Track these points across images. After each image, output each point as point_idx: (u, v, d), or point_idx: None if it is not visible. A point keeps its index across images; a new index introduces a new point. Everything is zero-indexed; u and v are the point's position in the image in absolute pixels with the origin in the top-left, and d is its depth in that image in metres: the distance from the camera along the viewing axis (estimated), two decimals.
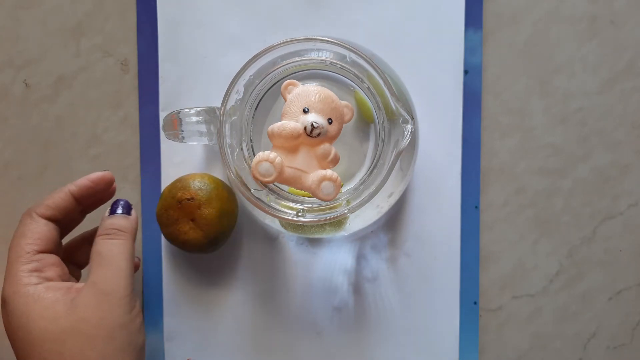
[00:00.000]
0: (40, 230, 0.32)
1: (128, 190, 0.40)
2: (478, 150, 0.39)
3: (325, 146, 0.30)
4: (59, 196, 0.33)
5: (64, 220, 0.33)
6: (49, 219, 0.32)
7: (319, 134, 0.29)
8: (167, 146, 0.40)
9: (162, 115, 0.40)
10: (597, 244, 0.40)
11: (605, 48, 0.40)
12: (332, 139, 0.30)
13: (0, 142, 0.41)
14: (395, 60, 0.36)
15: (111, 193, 0.35)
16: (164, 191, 0.37)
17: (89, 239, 0.36)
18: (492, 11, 0.39)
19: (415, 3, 0.39)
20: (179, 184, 0.36)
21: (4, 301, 0.30)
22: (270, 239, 0.40)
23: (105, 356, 0.29)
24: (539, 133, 0.40)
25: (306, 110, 0.30)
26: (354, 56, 0.31)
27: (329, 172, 0.30)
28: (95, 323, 0.29)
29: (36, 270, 0.31)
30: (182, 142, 0.34)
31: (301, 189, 0.30)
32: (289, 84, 0.31)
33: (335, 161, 0.31)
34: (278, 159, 0.30)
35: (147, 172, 0.40)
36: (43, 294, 0.29)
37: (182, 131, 0.34)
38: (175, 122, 0.34)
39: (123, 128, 0.41)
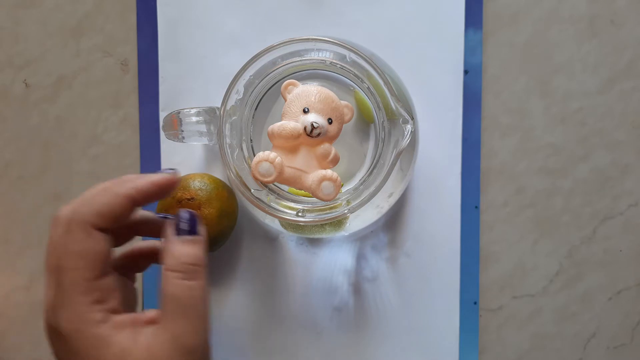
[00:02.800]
0: (100, 249, 0.25)
1: None
2: (478, 150, 0.39)
3: (325, 146, 0.30)
4: (118, 203, 0.26)
5: (115, 233, 0.27)
6: (104, 230, 0.26)
7: (319, 134, 0.29)
8: (167, 146, 0.40)
9: (162, 115, 0.40)
10: (597, 244, 0.40)
11: (605, 48, 0.40)
12: (332, 139, 0.30)
13: (0, 142, 0.41)
14: (395, 60, 0.36)
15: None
16: None
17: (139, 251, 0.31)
18: (492, 11, 0.39)
19: (415, 3, 0.39)
20: (181, 182, 0.36)
21: (63, 336, 0.25)
22: (270, 239, 0.40)
23: None
24: (539, 133, 0.40)
25: (306, 110, 0.30)
26: (354, 56, 0.31)
27: (329, 172, 0.30)
28: None
29: (98, 301, 0.25)
30: (182, 142, 0.34)
31: (301, 189, 0.30)
32: (289, 84, 0.31)
33: (335, 161, 0.31)
34: (278, 159, 0.30)
35: (147, 172, 0.40)
36: (110, 338, 0.25)
37: (182, 131, 0.34)
38: (175, 122, 0.34)
39: (123, 128, 0.41)
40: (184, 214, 0.27)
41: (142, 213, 0.30)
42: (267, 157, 0.29)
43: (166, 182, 0.27)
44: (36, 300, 0.41)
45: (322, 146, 0.30)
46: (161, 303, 0.26)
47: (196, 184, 0.36)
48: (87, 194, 0.26)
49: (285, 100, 0.31)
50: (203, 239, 0.27)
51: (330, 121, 0.30)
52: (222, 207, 0.36)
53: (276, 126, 0.30)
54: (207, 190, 0.35)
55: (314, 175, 0.30)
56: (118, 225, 0.26)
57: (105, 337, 0.25)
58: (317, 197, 0.30)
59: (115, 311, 0.26)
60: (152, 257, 0.31)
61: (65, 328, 0.25)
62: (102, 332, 0.25)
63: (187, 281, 0.26)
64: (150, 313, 0.26)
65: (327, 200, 0.30)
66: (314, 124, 0.29)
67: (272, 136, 0.30)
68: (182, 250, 0.26)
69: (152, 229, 0.30)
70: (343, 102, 0.31)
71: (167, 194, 0.28)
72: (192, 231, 0.27)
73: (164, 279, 0.26)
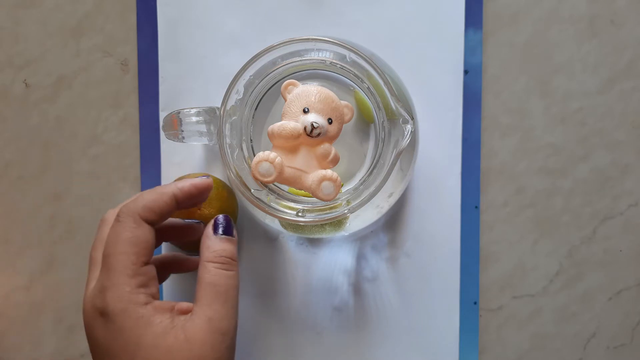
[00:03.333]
0: (146, 238, 0.29)
1: (128, 190, 0.40)
2: (478, 150, 0.39)
3: (325, 146, 0.30)
4: (164, 200, 0.29)
5: (159, 227, 0.31)
6: (152, 224, 0.29)
7: (319, 134, 0.29)
8: (167, 146, 0.40)
9: (162, 115, 0.40)
10: (597, 244, 0.40)
11: (605, 48, 0.40)
12: (332, 139, 0.30)
13: (0, 142, 0.41)
14: (395, 60, 0.36)
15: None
16: None
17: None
18: (492, 11, 0.39)
19: (415, 3, 0.39)
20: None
21: (108, 315, 0.27)
22: (270, 239, 0.40)
23: None
24: (539, 133, 0.40)
25: (306, 110, 0.30)
26: (354, 56, 0.31)
27: (329, 172, 0.30)
28: (212, 359, 0.28)
29: (142, 285, 0.28)
30: (182, 142, 0.34)
31: (301, 189, 0.30)
32: (289, 84, 0.31)
33: (335, 161, 0.31)
34: (278, 159, 0.30)
35: (147, 172, 0.40)
36: (152, 318, 0.28)
37: (182, 131, 0.34)
38: (175, 122, 0.34)
39: (123, 128, 0.41)
40: (222, 217, 0.31)
41: (170, 219, 0.33)
42: (267, 157, 0.29)
43: (205, 185, 0.31)
44: (36, 300, 0.41)
45: (322, 146, 0.30)
46: (198, 290, 0.29)
47: None
48: (138, 194, 0.30)
49: (285, 100, 0.31)
50: (236, 240, 0.31)
51: (330, 121, 0.30)
52: (222, 207, 0.36)
53: (276, 126, 0.30)
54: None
55: (314, 175, 0.30)
56: (161, 220, 0.30)
57: (147, 318, 0.28)
58: (317, 197, 0.30)
59: (155, 297, 0.29)
60: (172, 267, 0.35)
61: (113, 308, 0.27)
62: (145, 312, 0.28)
63: (224, 271, 0.29)
64: (184, 304, 0.29)
65: (327, 200, 0.30)
66: (314, 124, 0.29)
67: (272, 136, 0.30)
68: (221, 245, 0.30)
69: (179, 234, 0.34)
70: (343, 102, 0.31)
71: (203, 198, 0.32)
72: (227, 232, 0.31)
73: (203, 269, 0.29)
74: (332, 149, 0.30)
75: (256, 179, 0.30)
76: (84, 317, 0.29)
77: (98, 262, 0.29)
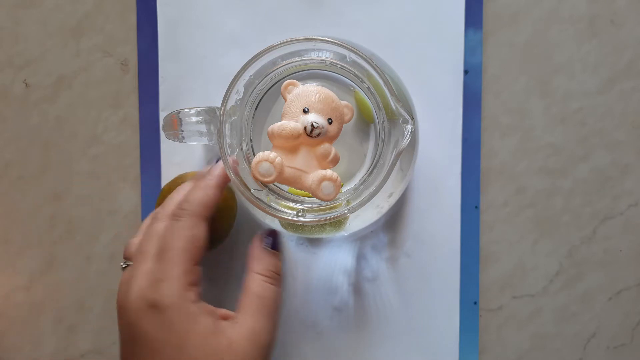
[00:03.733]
0: (203, 236, 0.30)
1: (128, 190, 0.40)
2: (478, 150, 0.39)
3: (325, 146, 0.30)
4: (214, 194, 0.31)
5: None
6: (206, 221, 0.31)
7: (319, 134, 0.29)
8: (167, 146, 0.40)
9: (162, 115, 0.40)
10: (597, 244, 0.40)
11: (605, 48, 0.40)
12: (332, 139, 0.30)
13: (0, 142, 0.41)
14: (395, 60, 0.36)
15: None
16: (163, 188, 0.37)
17: None
18: (492, 11, 0.39)
19: (415, 3, 0.39)
20: (180, 181, 0.36)
21: (159, 307, 0.28)
22: None
23: None
24: (539, 133, 0.40)
25: (306, 110, 0.30)
26: (354, 56, 0.31)
27: (329, 172, 0.30)
28: None
29: (194, 284, 0.29)
30: (182, 142, 0.34)
31: (301, 189, 0.30)
32: (289, 84, 0.31)
33: (335, 161, 0.31)
34: (278, 159, 0.30)
35: (147, 172, 0.40)
36: (200, 317, 0.28)
37: (182, 131, 0.34)
38: (175, 122, 0.34)
39: (123, 128, 0.41)
40: (271, 230, 0.33)
41: None
42: (267, 157, 0.29)
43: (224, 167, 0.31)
44: (36, 301, 0.41)
45: (322, 146, 0.30)
46: (244, 300, 0.30)
47: None
48: (179, 193, 0.31)
49: (285, 100, 0.31)
50: (281, 256, 0.33)
51: (330, 121, 0.30)
52: (222, 206, 0.36)
53: (276, 126, 0.30)
54: None
55: (314, 175, 0.30)
56: (211, 214, 0.31)
57: (195, 316, 0.28)
58: (317, 197, 0.30)
59: (201, 297, 0.29)
60: None
61: (166, 301, 0.28)
62: (194, 310, 0.28)
63: (271, 285, 0.31)
64: (224, 311, 0.30)
65: (327, 200, 0.30)
66: (314, 124, 0.29)
67: (272, 136, 0.30)
68: (270, 259, 0.32)
69: None
70: (343, 102, 0.31)
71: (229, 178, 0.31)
72: (275, 247, 0.32)
73: (251, 280, 0.31)
74: (332, 149, 0.30)
75: (256, 179, 0.30)
76: (130, 307, 0.29)
77: (149, 255, 0.30)
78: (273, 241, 0.32)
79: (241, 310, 0.30)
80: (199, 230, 0.30)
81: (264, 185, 0.32)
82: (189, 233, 0.29)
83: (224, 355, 0.28)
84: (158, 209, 0.32)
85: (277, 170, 0.30)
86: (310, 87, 0.30)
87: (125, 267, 0.32)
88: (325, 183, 0.30)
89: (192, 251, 0.29)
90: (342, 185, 0.34)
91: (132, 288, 0.29)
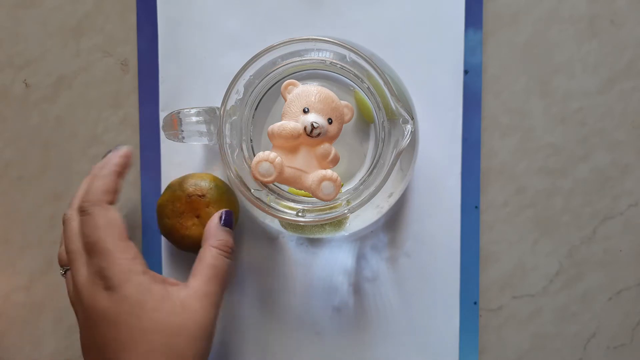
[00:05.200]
0: (118, 217, 0.32)
1: (128, 190, 0.40)
2: (478, 150, 0.39)
3: (325, 146, 0.30)
4: (112, 179, 0.33)
5: None
6: (112, 204, 0.33)
7: (319, 134, 0.29)
8: (167, 146, 0.40)
9: (162, 115, 0.40)
10: (597, 244, 0.40)
11: (605, 48, 0.40)
12: (332, 139, 0.30)
13: (0, 142, 0.41)
14: (395, 60, 0.36)
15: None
16: (172, 183, 0.37)
17: None
18: (492, 11, 0.39)
19: (415, 3, 0.39)
20: (191, 179, 0.37)
21: (114, 287, 0.30)
22: (270, 239, 0.40)
23: (202, 356, 0.32)
24: (539, 133, 0.40)
25: (306, 110, 0.30)
26: (354, 56, 0.31)
27: (329, 172, 0.30)
28: (203, 325, 0.32)
29: (135, 257, 0.31)
30: (182, 142, 0.34)
31: (301, 189, 0.30)
32: (289, 84, 0.31)
33: (335, 161, 0.31)
34: (278, 159, 0.30)
35: (147, 172, 0.40)
36: (151, 286, 0.31)
37: (182, 131, 0.34)
38: (175, 122, 0.34)
39: (123, 128, 0.41)
40: (228, 211, 0.35)
41: None
42: (267, 157, 0.29)
43: (129, 153, 0.34)
44: (36, 301, 0.41)
45: (322, 146, 0.30)
46: (199, 268, 0.33)
47: (207, 183, 0.36)
48: (82, 188, 0.34)
49: (285, 100, 0.31)
50: (233, 233, 0.36)
51: (330, 121, 0.30)
52: (228, 208, 0.36)
53: (276, 126, 0.30)
54: (218, 191, 0.36)
55: (314, 175, 0.30)
56: (117, 198, 0.33)
57: (146, 285, 0.31)
58: (317, 197, 0.30)
59: (147, 266, 0.32)
60: None
61: (117, 280, 0.30)
62: (144, 280, 0.31)
63: (225, 257, 0.34)
64: (172, 280, 0.33)
65: (327, 200, 0.30)
66: (314, 124, 0.29)
67: (272, 136, 0.30)
68: (225, 235, 0.34)
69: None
70: (343, 102, 0.31)
71: (130, 162, 0.35)
72: (230, 226, 0.35)
73: (207, 251, 0.33)
74: (332, 149, 0.30)
75: (256, 179, 0.30)
76: (83, 297, 0.31)
77: (79, 253, 0.32)
78: (229, 220, 0.35)
79: (194, 277, 0.32)
80: (112, 213, 0.32)
81: (264, 185, 0.32)
82: (102, 221, 0.31)
83: (178, 315, 0.31)
84: (66, 211, 0.34)
85: (277, 170, 0.30)
86: (310, 87, 0.30)
87: (64, 273, 0.34)
88: (325, 183, 0.30)
89: (115, 232, 0.31)
90: (342, 185, 0.34)
91: (79, 282, 0.31)
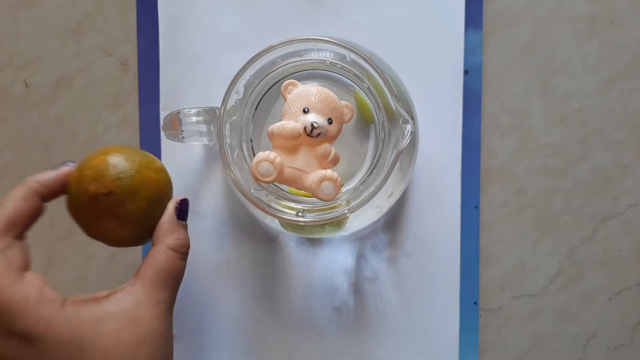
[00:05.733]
0: (20, 256, 0.27)
1: None
2: (478, 150, 0.39)
3: (325, 146, 0.30)
4: (21, 205, 0.27)
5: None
6: (20, 238, 0.28)
7: (319, 134, 0.29)
8: (167, 146, 0.40)
9: (162, 115, 0.40)
10: (597, 244, 0.40)
11: (605, 48, 0.40)
12: (332, 139, 0.30)
13: (0, 142, 0.41)
14: (395, 60, 0.36)
15: None
16: (70, 182, 0.29)
17: None
18: (492, 11, 0.39)
19: (415, 3, 0.39)
20: (88, 172, 0.28)
21: (33, 340, 0.25)
22: (270, 239, 0.40)
23: None
24: (539, 133, 0.40)
25: (306, 110, 0.30)
26: (354, 56, 0.31)
27: (329, 172, 0.30)
28: (161, 334, 0.28)
29: (41, 293, 0.26)
30: (182, 142, 0.34)
31: (301, 189, 0.30)
32: (289, 84, 0.31)
33: (335, 161, 0.31)
34: (278, 159, 0.30)
35: None
36: (79, 314, 0.26)
37: (182, 131, 0.34)
38: (175, 122, 0.34)
39: (123, 128, 0.41)
40: (184, 200, 0.30)
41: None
42: (267, 157, 0.29)
43: (65, 174, 0.28)
44: None
45: (322, 146, 0.30)
46: (149, 274, 0.28)
47: (111, 170, 0.28)
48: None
49: (285, 100, 0.31)
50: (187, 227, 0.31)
51: (330, 121, 0.30)
52: (151, 195, 0.29)
53: (276, 126, 0.30)
54: (127, 179, 0.28)
55: (314, 175, 0.30)
56: (29, 227, 0.28)
57: (74, 317, 0.26)
58: (317, 197, 0.30)
59: (46, 289, 0.27)
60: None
61: (35, 332, 0.25)
62: (68, 314, 0.26)
63: (182, 261, 0.29)
64: (102, 293, 0.28)
65: (327, 200, 0.30)
66: (314, 124, 0.29)
67: (272, 136, 0.30)
68: (183, 234, 0.30)
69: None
70: (343, 102, 0.31)
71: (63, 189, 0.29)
72: (184, 218, 0.30)
73: (162, 255, 0.28)
74: (332, 149, 0.30)
75: (256, 179, 0.30)
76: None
77: None
78: (183, 211, 0.30)
79: (142, 282, 0.28)
80: (12, 252, 0.26)
81: (264, 185, 0.32)
82: (3, 262, 0.26)
83: (129, 331, 0.27)
84: None
85: (277, 170, 0.30)
86: (310, 87, 0.30)
87: None
88: (325, 183, 0.30)
89: (7, 276, 0.26)
90: (342, 185, 0.34)
91: None
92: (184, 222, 0.30)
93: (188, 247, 0.30)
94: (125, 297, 0.27)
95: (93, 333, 0.26)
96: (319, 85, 0.31)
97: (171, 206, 0.30)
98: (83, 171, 0.28)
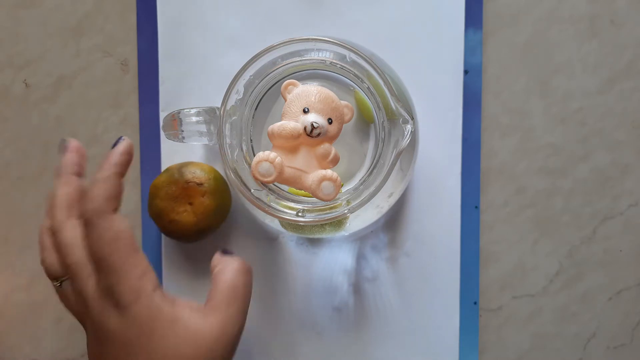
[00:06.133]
0: (127, 227, 0.29)
1: (128, 190, 0.40)
2: (478, 150, 0.39)
3: (325, 146, 0.30)
4: (110, 184, 0.29)
5: None
6: (116, 211, 0.29)
7: (319, 134, 0.29)
8: (167, 146, 0.40)
9: (162, 115, 0.40)
10: (597, 244, 0.40)
11: (605, 48, 0.40)
12: (332, 139, 0.30)
13: (0, 142, 0.41)
14: (395, 60, 0.36)
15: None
16: (171, 167, 0.37)
17: None
18: (492, 11, 0.39)
19: (415, 3, 0.39)
20: (192, 166, 0.37)
21: (123, 306, 0.28)
22: (270, 239, 0.40)
23: None
24: (539, 133, 0.40)
25: (306, 110, 0.30)
26: (354, 56, 0.31)
27: (328, 172, 0.30)
28: (222, 356, 0.29)
29: (145, 274, 0.29)
30: (182, 142, 0.34)
31: (301, 189, 0.30)
32: (289, 84, 0.31)
33: (335, 161, 0.31)
34: (278, 159, 0.30)
35: (147, 172, 0.40)
36: (162, 307, 0.28)
37: (182, 131, 0.34)
38: (175, 122, 0.34)
39: (123, 128, 0.41)
40: (226, 250, 0.33)
41: None
42: (267, 157, 0.29)
43: (130, 147, 0.30)
44: (36, 300, 0.41)
45: (322, 146, 0.30)
46: (216, 292, 0.30)
47: (206, 174, 0.36)
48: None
49: (285, 100, 0.31)
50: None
51: (330, 121, 0.30)
52: (222, 203, 0.37)
53: (276, 126, 0.30)
54: (215, 183, 0.36)
55: (314, 175, 0.30)
56: (119, 203, 0.30)
57: (155, 306, 0.28)
58: (317, 197, 0.30)
59: (157, 283, 0.29)
60: None
61: (127, 299, 0.28)
62: (153, 300, 0.28)
63: (244, 276, 0.31)
64: (185, 300, 0.30)
65: (327, 200, 0.30)
66: (314, 124, 0.29)
67: (272, 136, 0.30)
68: (237, 258, 0.32)
69: None
70: (343, 102, 0.31)
71: (131, 158, 0.30)
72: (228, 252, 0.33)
73: (229, 272, 0.31)
74: (332, 149, 0.30)
75: (256, 179, 0.30)
76: (92, 314, 0.28)
77: (85, 265, 0.29)
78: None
79: (213, 301, 0.30)
80: (119, 223, 0.28)
81: (264, 185, 0.32)
82: (109, 234, 0.28)
83: (189, 344, 0.28)
84: (51, 216, 0.30)
85: (277, 170, 0.30)
86: (310, 87, 0.30)
87: (60, 285, 0.30)
88: (325, 183, 0.30)
89: (123, 246, 0.28)
90: (342, 185, 0.34)
91: (88, 297, 0.28)
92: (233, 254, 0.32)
93: (247, 265, 0.32)
94: (197, 318, 0.29)
95: (160, 332, 0.28)
96: (319, 85, 0.31)
97: (217, 254, 0.32)
98: (188, 165, 0.37)
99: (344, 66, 0.32)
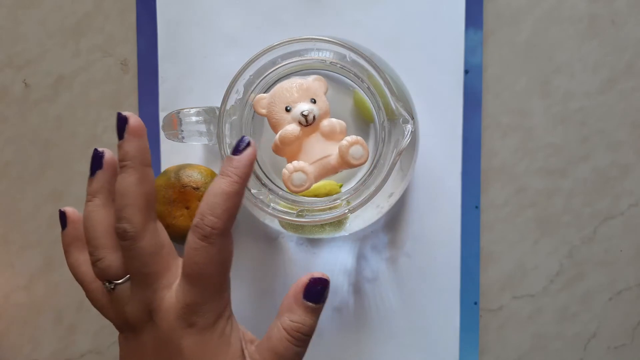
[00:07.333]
0: (231, 253, 0.27)
1: None
2: (478, 150, 0.39)
3: (326, 123, 0.30)
4: (235, 201, 0.26)
5: None
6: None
7: (314, 118, 0.30)
8: (167, 146, 0.40)
9: (162, 115, 0.40)
10: (598, 244, 0.40)
11: (605, 48, 0.40)
12: (326, 113, 0.31)
13: (0, 142, 0.41)
14: (395, 60, 0.36)
15: None
16: (169, 169, 0.37)
17: None
18: (492, 11, 0.39)
19: (415, 3, 0.39)
20: (189, 170, 0.36)
21: (200, 327, 0.27)
22: (270, 239, 0.40)
23: None
24: (539, 133, 0.40)
25: (288, 108, 0.30)
26: (354, 56, 0.31)
27: (347, 138, 0.30)
28: None
29: (229, 299, 0.28)
30: (182, 142, 0.34)
31: (334, 173, 0.31)
32: (259, 99, 0.31)
33: (344, 131, 0.31)
34: (307, 166, 0.30)
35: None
36: (231, 339, 0.28)
37: (182, 131, 0.34)
38: (175, 122, 0.34)
39: None
40: (323, 280, 0.28)
41: None
42: (297, 167, 0.30)
43: (255, 153, 0.27)
44: (36, 300, 0.41)
45: (323, 125, 0.30)
46: (265, 348, 0.28)
47: (203, 177, 0.36)
48: (202, 204, 0.26)
49: (261, 114, 0.31)
50: (322, 308, 0.28)
51: (313, 101, 0.30)
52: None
53: (276, 139, 0.30)
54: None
55: (337, 151, 0.30)
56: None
57: (228, 337, 0.27)
58: (351, 167, 0.30)
59: (232, 313, 0.29)
60: None
61: (204, 323, 0.27)
62: (227, 329, 0.27)
63: (297, 347, 0.27)
64: (250, 335, 0.29)
65: (362, 164, 0.30)
66: (303, 113, 0.30)
67: (280, 149, 0.30)
68: (304, 319, 0.28)
69: None
70: (310, 78, 0.31)
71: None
72: (316, 300, 0.28)
73: (277, 332, 0.28)
74: (335, 121, 0.31)
75: (292, 192, 0.30)
76: (164, 325, 0.27)
77: (176, 270, 0.28)
78: (316, 292, 0.28)
79: (259, 351, 0.28)
80: (228, 247, 0.27)
81: (263, 185, 0.32)
82: (220, 257, 0.26)
83: None
84: (121, 215, 0.27)
85: (309, 176, 0.30)
86: (273, 90, 0.31)
87: (114, 288, 0.28)
88: (352, 149, 0.30)
89: (227, 269, 0.27)
90: (341, 186, 0.34)
91: (160, 311, 0.27)
92: (310, 304, 0.28)
93: (307, 334, 0.28)
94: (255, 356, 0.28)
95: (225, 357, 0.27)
96: (284, 81, 0.32)
97: (302, 281, 0.28)
98: (185, 167, 0.36)
99: (344, 66, 0.32)
